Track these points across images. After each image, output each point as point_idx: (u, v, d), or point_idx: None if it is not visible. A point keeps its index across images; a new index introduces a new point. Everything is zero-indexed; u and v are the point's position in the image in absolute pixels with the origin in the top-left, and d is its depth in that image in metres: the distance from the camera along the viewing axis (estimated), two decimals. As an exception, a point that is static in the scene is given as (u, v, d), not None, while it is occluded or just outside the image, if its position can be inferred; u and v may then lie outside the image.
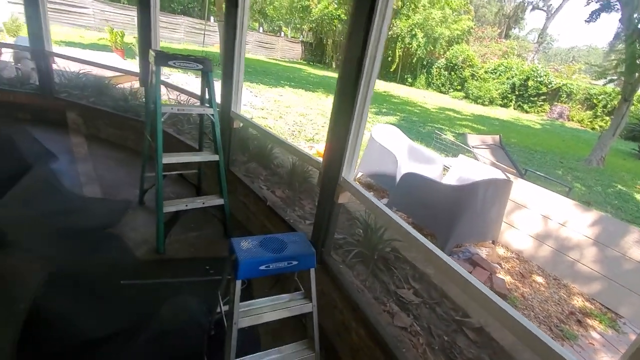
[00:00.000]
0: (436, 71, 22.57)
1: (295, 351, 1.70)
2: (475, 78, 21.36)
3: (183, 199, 2.71)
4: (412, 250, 2.39)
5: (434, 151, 6.86)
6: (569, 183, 7.15)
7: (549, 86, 19.76)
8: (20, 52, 5.17)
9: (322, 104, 10.84)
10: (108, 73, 5.36)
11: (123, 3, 20.36)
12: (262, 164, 3.52)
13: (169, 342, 1.83)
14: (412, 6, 21.11)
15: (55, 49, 4.26)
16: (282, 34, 27.43)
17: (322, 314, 1.73)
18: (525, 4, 33.67)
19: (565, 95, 19.68)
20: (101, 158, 3.76)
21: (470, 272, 2.56)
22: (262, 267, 1.50)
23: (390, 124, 6.62)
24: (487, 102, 20.50)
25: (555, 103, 20.06)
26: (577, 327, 3.23)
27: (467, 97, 21.16)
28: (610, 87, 18.07)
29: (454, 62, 21.80)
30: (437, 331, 1.87)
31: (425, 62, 22.80)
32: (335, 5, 22.24)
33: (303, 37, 27.67)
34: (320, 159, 2.08)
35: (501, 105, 20.63)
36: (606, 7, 11.36)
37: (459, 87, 21.89)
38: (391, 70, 22.77)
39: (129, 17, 18.27)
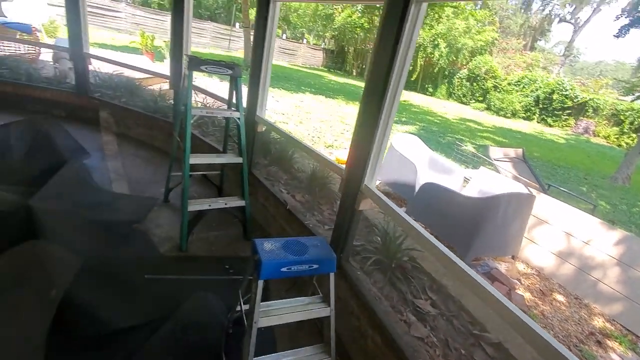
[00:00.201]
0: (458, 81, 22.32)
1: (310, 355, 1.71)
2: (498, 90, 20.99)
3: (206, 199, 2.80)
4: (432, 259, 2.39)
5: (454, 162, 6.79)
6: (594, 200, 6.92)
7: (575, 100, 19.20)
8: (59, 53, 5.46)
9: (342, 111, 10.89)
10: (138, 75, 5.58)
11: (154, 8, 21.15)
12: (283, 168, 3.58)
13: (189, 338, 1.88)
14: (436, 16, 21.03)
15: (91, 50, 4.48)
16: (305, 40, 27.80)
17: (338, 320, 1.75)
18: (552, 16, 32.99)
19: (591, 110, 19.07)
20: (130, 156, 3.92)
21: (489, 287, 2.53)
22: (284, 269, 1.54)
23: (410, 133, 6.60)
24: (509, 115, 20.09)
25: (581, 118, 19.45)
26: (596, 348, 3.13)
27: (488, 108, 20.80)
28: (638, 104, 17.43)
29: (476, 73, 21.51)
30: (454, 344, 1.86)
31: (446, 72, 22.58)
32: (359, 14, 22.39)
33: (325, 45, 27.95)
34: (343, 166, 2.12)
35: (524, 118, 20.17)
36: (636, 23, 11.04)
37: (481, 99, 21.56)
38: (412, 79, 22.66)
39: (159, 22, 18.96)
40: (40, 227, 2.01)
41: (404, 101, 17.03)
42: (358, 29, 22.79)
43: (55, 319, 1.63)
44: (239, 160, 2.77)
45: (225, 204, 2.79)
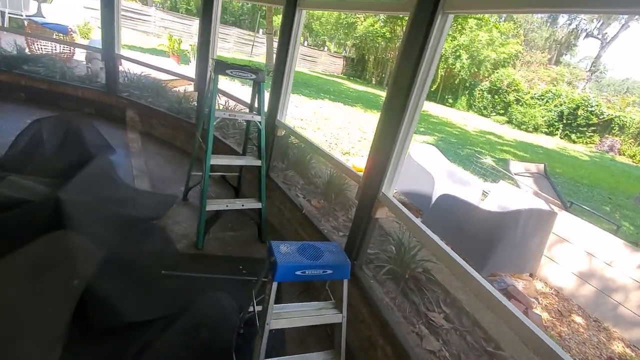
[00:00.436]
0: (479, 93, 22.00)
1: (320, 360, 1.72)
2: (520, 103, 20.58)
3: (224, 200, 2.85)
4: (447, 272, 2.35)
5: (472, 175, 6.68)
6: (617, 221, 6.65)
7: (601, 117, 18.61)
8: (92, 53, 5.70)
9: (360, 119, 10.91)
10: (164, 77, 5.76)
11: (181, 13, 21.84)
12: (300, 173, 3.61)
13: (201, 335, 1.91)
14: (459, 27, 20.87)
15: (121, 52, 4.66)
16: (326, 48, 28.04)
17: (349, 327, 1.74)
18: (579, 31, 32.23)
19: (617, 128, 18.43)
20: (152, 154, 4.04)
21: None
22: (298, 273, 1.55)
23: (428, 143, 6.54)
24: (531, 129, 19.63)
25: (606, 135, 18.82)
26: (616, 375, 3.00)
27: (509, 122, 20.39)
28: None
29: (498, 85, 21.17)
30: None
31: (467, 84, 22.33)
32: (381, 24, 22.47)
33: (345, 52, 28.11)
34: (360, 174, 2.13)
35: (546, 133, 19.67)
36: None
37: (502, 111, 21.16)
38: (432, 89, 22.47)
39: (186, 26, 19.56)
40: (67, 218, 2.10)
41: (423, 111, 16.88)
42: (379, 38, 22.85)
43: (76, 309, 1.69)
44: (258, 162, 2.82)
45: (242, 205, 2.84)
